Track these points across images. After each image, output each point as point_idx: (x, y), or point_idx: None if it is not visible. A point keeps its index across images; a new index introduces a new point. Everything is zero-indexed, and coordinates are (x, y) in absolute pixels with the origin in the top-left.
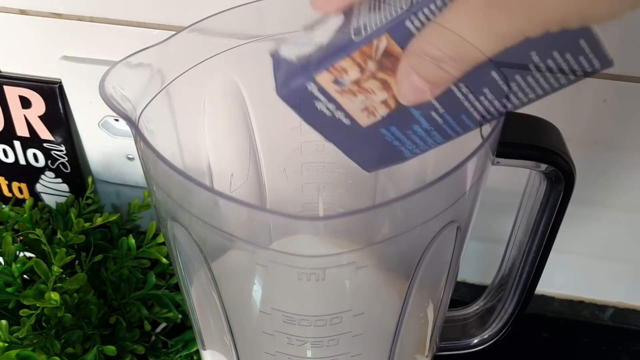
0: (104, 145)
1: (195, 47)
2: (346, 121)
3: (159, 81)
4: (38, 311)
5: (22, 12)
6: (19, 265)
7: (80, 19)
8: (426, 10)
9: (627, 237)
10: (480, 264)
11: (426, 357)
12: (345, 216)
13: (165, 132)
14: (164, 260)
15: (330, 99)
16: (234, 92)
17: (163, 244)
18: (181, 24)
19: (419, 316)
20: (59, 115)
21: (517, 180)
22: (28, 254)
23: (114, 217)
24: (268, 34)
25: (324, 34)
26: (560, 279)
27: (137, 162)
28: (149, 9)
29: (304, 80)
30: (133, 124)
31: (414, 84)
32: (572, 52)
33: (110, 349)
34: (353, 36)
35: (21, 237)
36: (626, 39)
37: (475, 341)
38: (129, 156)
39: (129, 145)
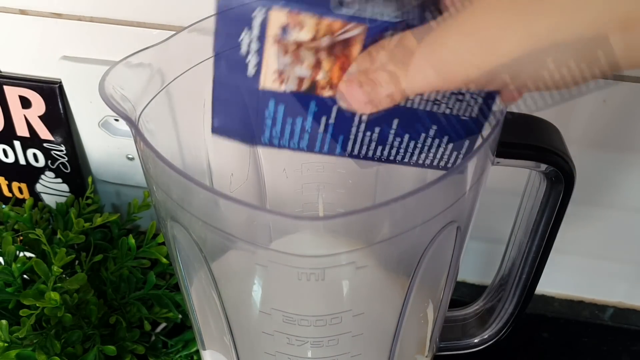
0: (104, 145)
1: (195, 47)
2: (252, 70)
3: (158, 81)
4: (38, 311)
5: (22, 12)
6: (19, 265)
7: (80, 19)
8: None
9: (627, 237)
10: (480, 264)
11: (426, 357)
12: (345, 216)
13: (165, 132)
14: (164, 260)
15: (261, 38)
16: None
17: (163, 244)
18: (181, 24)
19: (419, 316)
20: (59, 115)
21: (517, 180)
22: (28, 254)
23: (114, 217)
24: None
25: None
26: (560, 279)
27: (137, 162)
28: (149, 9)
29: (258, 3)
30: (133, 124)
31: (351, 92)
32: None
33: (110, 349)
34: (334, 4)
35: (21, 237)
36: None
37: (475, 341)
38: (129, 156)
39: (129, 145)
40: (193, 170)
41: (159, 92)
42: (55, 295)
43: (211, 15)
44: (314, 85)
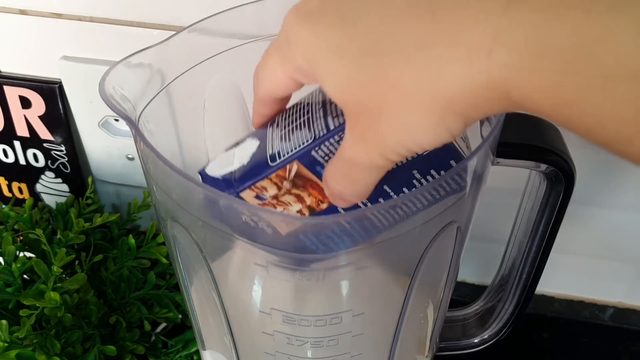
0: (104, 145)
1: (195, 47)
2: (269, 230)
3: (158, 81)
4: (38, 311)
5: (22, 12)
6: (19, 265)
7: (80, 19)
8: (327, 143)
9: (627, 237)
10: (480, 264)
11: (426, 357)
12: (345, 216)
13: (165, 132)
14: (164, 260)
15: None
16: (233, 92)
17: (163, 244)
18: (181, 24)
19: (419, 316)
20: (59, 115)
21: (517, 180)
22: (28, 254)
23: (114, 217)
24: (268, 34)
25: (244, 155)
26: (560, 279)
27: (137, 162)
28: (149, 9)
29: (231, 199)
30: (133, 123)
31: (336, 201)
32: (445, 169)
33: (110, 349)
34: (269, 162)
35: (21, 237)
36: None
37: (476, 341)
38: (129, 156)
39: (129, 145)
40: (193, 170)
41: (159, 92)
42: (55, 295)
43: (211, 16)
44: (311, 208)
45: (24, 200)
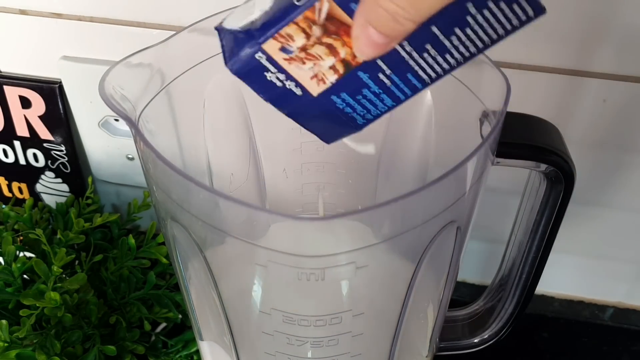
0: (104, 145)
1: (195, 47)
2: (297, 91)
3: (158, 81)
4: (38, 311)
5: (22, 12)
6: (19, 265)
7: (80, 19)
8: None
9: (627, 237)
10: (480, 264)
11: (426, 357)
12: (346, 216)
13: (165, 132)
14: (164, 260)
15: (279, 68)
16: (234, 92)
17: (163, 244)
18: (181, 24)
19: (418, 316)
20: (59, 115)
21: (517, 180)
22: (28, 254)
23: (114, 217)
24: None
25: (265, 0)
26: (560, 279)
27: (137, 162)
28: (149, 9)
29: (252, 50)
30: (133, 124)
31: (370, 38)
32: (506, 1)
33: (110, 349)
34: (295, 1)
35: (21, 237)
36: (626, 38)
37: (475, 341)
38: (129, 156)
39: (129, 145)
40: (193, 170)
41: (159, 92)
42: (55, 295)
43: (211, 16)
44: (346, 63)
45: (24, 200)
